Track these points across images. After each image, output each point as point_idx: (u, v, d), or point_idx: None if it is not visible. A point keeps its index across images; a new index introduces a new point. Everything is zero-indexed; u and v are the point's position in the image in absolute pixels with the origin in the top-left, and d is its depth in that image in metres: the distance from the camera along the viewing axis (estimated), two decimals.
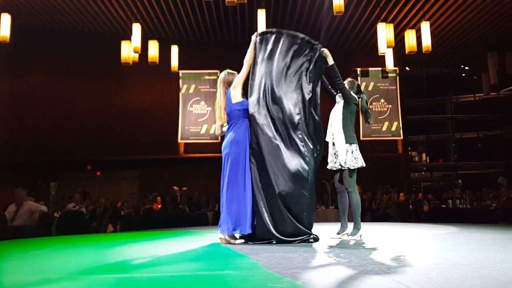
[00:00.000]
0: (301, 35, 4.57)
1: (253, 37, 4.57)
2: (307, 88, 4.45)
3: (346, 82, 4.73)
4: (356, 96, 4.70)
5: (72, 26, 13.65)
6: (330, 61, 4.53)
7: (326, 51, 4.56)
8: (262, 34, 4.59)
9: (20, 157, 13.14)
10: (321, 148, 4.40)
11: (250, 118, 4.27)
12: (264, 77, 4.40)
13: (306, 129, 4.31)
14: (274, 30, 4.64)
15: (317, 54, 4.53)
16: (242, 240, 4.17)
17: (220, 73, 4.59)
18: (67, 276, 2.56)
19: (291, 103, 4.36)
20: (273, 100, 4.34)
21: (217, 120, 4.49)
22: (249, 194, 4.11)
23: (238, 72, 4.50)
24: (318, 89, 4.53)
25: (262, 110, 4.28)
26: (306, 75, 4.49)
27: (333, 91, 4.80)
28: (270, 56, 4.48)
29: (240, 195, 4.12)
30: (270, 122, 4.25)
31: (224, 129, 4.49)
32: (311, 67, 4.50)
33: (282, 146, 4.16)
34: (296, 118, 4.30)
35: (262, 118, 4.25)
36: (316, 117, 4.40)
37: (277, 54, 4.48)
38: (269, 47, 4.50)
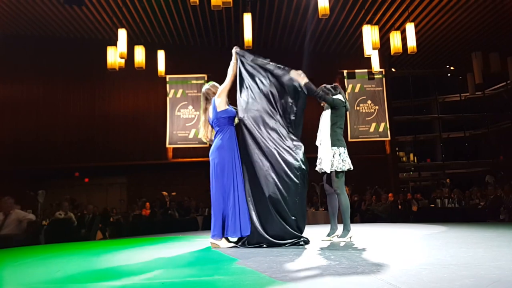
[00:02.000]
0: (271, 64, 4.48)
1: (233, 51, 4.58)
2: (291, 107, 4.43)
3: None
4: (341, 99, 4.60)
5: (57, 32, 13.54)
6: (302, 81, 4.33)
7: (294, 73, 4.38)
8: (242, 52, 4.59)
9: (6, 165, 12.96)
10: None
11: (240, 123, 4.33)
12: (250, 92, 4.45)
13: (295, 136, 4.35)
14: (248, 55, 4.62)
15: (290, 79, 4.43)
16: (233, 244, 4.16)
17: (207, 77, 4.63)
18: (55, 286, 2.53)
19: (282, 113, 4.42)
20: (264, 109, 4.39)
21: (201, 130, 4.61)
22: (238, 198, 4.14)
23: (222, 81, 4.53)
24: (300, 108, 4.46)
25: (253, 114, 4.32)
26: (287, 95, 4.46)
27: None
28: (253, 76, 4.49)
29: (230, 199, 4.14)
30: (260, 127, 4.28)
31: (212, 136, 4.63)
32: (288, 88, 4.43)
33: (272, 150, 4.18)
34: (287, 125, 4.37)
35: (253, 123, 4.29)
36: (299, 130, 4.44)
37: (259, 75, 4.48)
38: (249, 67, 4.51)
